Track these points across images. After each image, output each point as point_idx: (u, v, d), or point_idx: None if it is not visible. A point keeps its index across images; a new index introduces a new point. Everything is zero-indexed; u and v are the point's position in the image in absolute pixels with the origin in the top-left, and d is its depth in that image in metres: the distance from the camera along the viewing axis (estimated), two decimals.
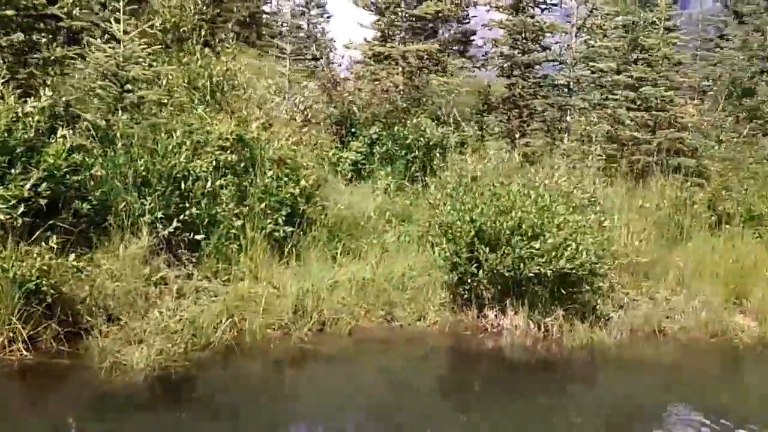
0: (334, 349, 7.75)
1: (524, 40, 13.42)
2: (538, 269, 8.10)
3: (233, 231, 8.42)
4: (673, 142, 14.50)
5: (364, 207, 10.31)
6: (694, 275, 9.61)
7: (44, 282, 6.57)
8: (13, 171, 6.98)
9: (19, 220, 6.83)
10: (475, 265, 8.31)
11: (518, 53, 13.38)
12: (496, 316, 8.48)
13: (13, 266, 6.48)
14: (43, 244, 6.95)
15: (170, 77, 10.24)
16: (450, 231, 8.50)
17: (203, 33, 11.16)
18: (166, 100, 9.47)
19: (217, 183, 8.53)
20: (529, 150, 12.83)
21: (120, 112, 8.52)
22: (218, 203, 8.52)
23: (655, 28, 15.15)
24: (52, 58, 9.00)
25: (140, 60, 9.05)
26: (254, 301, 7.77)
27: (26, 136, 7.26)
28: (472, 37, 17.61)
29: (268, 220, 8.61)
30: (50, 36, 9.35)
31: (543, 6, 13.80)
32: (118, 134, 8.30)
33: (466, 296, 8.57)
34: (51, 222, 7.20)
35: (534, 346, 8.20)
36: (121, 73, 8.76)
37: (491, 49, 14.21)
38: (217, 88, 10.61)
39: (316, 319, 7.91)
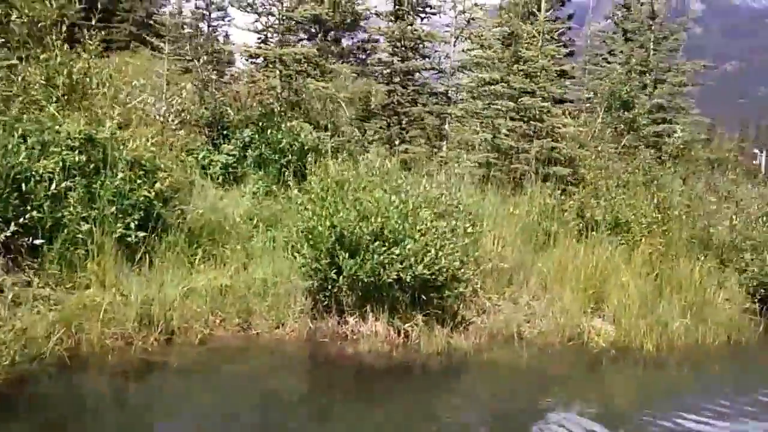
0: (181, 360, 7.40)
1: (403, 48, 13.45)
2: (397, 275, 8.05)
3: (80, 236, 7.94)
4: (550, 152, 14.93)
5: (232, 211, 10.01)
6: (556, 281, 9.83)
7: None
8: None
9: None
10: (335, 270, 8.17)
11: (398, 60, 13.40)
12: (356, 322, 8.38)
13: None
14: None
15: (27, 74, 9.64)
16: (311, 236, 8.33)
17: (64, 29, 10.53)
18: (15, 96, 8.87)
19: (63, 185, 8.01)
20: (408, 157, 12.84)
21: None
22: (64, 206, 8.02)
23: (534, 41, 15.61)
24: None
25: None
26: (97, 309, 7.33)
27: None
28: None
29: (119, 224, 8.16)
30: None
31: (423, 15, 13.91)
32: None
33: (326, 303, 8.43)
34: None
35: (392, 352, 8.14)
36: None
37: (371, 57, 14.22)
38: (77, 86, 10.05)
39: (164, 329, 7.53)
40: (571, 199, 12.84)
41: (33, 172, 7.91)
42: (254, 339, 8.17)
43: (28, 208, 7.72)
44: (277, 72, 12.24)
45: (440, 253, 8.28)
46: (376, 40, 17.20)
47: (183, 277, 8.29)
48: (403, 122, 13.61)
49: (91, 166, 8.44)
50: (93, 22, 10.89)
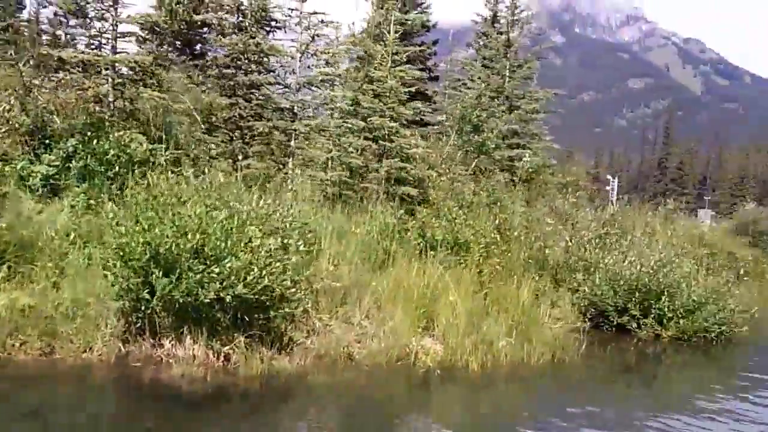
0: None
1: (247, 61, 13.11)
2: (218, 295, 7.66)
3: None
4: (399, 172, 15.04)
5: (47, 226, 9.23)
6: (390, 300, 9.73)
7: None
8: None
9: None
10: (148, 290, 7.66)
11: (241, 73, 13.03)
12: (172, 345, 7.90)
13: None
14: None
15: None
16: (123, 253, 7.78)
17: None
18: None
19: None
20: (251, 172, 12.46)
21: None
22: None
23: (384, 61, 15.73)
24: None
25: None
26: None
27: None
28: None
29: None
30: None
31: (268, 28, 13.64)
32: None
33: (139, 325, 7.88)
34: None
35: (209, 376, 7.69)
36: None
37: (213, 69, 13.77)
38: None
39: None
40: (414, 218, 12.95)
41: None
42: (58, 364, 7.50)
43: None
44: (109, 79, 11.53)
45: (264, 272, 7.96)
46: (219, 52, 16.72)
47: None
48: (246, 137, 13.22)
49: None
50: None
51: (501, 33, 29.43)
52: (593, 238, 15.04)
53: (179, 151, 11.80)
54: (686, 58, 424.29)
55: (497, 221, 14.07)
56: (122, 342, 7.87)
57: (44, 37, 21.85)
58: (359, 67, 18.86)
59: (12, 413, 6.54)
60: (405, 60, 17.37)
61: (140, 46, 14.39)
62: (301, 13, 13.84)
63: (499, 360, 9.28)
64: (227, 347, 7.94)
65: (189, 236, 7.74)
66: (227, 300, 7.73)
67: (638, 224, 18.83)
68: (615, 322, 12.58)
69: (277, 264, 8.28)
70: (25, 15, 28.42)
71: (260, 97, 13.15)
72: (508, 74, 28.84)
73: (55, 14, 24.67)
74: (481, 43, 30.39)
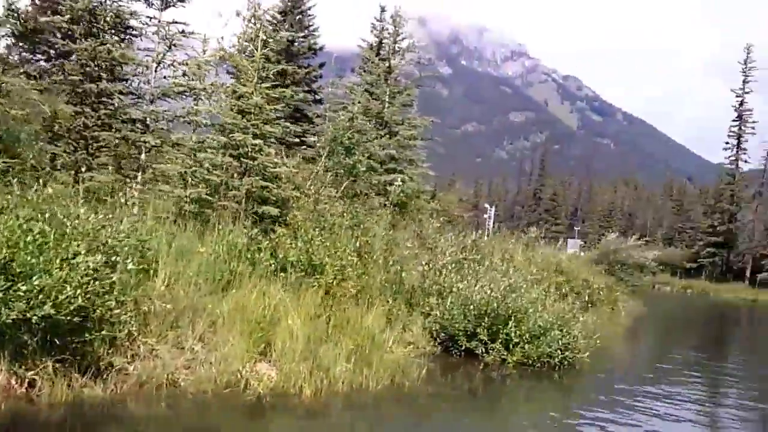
0: None
1: (97, 68, 12.39)
2: (23, 315, 7.00)
3: None
4: (261, 191, 14.67)
5: None
6: (228, 323, 9.31)
7: None
8: None
9: None
10: None
11: (88, 81, 12.28)
12: None
13: None
14: None
15: None
16: None
17: None
18: None
19: None
20: (93, 185, 11.73)
21: None
22: None
23: (250, 78, 15.39)
24: None
25: None
26: None
27: None
28: None
29: None
30: None
31: (123, 35, 13.00)
32: None
33: None
34: None
35: (7, 404, 6.98)
36: None
37: (58, 74, 12.94)
38: None
39: None
40: (266, 238, 12.60)
41: None
42: None
43: None
44: None
45: (79, 291, 7.37)
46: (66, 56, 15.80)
47: None
48: (92, 148, 12.46)
49: None
50: None
51: (383, 59, 29.84)
52: (450, 262, 15.20)
53: (13, 161, 10.93)
54: (564, 94, 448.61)
55: (358, 244, 13.99)
56: None
57: None
58: (228, 84, 18.40)
59: None
60: (276, 78, 17.15)
61: None
62: (159, 21, 13.31)
63: (335, 386, 9.03)
64: (32, 372, 7.27)
65: None
66: (34, 321, 7.09)
67: (497, 251, 19.27)
68: (463, 347, 12.67)
69: (97, 283, 7.72)
70: None
71: (109, 107, 12.42)
72: (387, 100, 29.22)
73: None
74: (365, 68, 30.71)
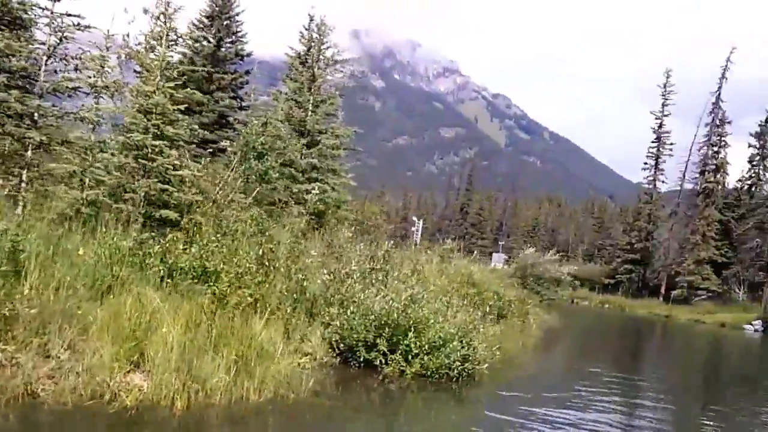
0: None
1: None
2: None
3: None
4: (161, 194, 14.10)
5: None
6: (101, 331, 8.73)
7: None
8: None
9: None
10: None
11: None
12: None
13: None
14: None
15: None
16: None
17: None
18: None
19: None
20: None
21: None
22: None
23: (152, 76, 14.83)
24: None
25: None
26: None
27: None
28: None
29: None
30: None
31: (12, 26, 12.22)
32: None
33: None
34: None
35: None
36: None
37: None
38: None
39: None
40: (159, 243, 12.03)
41: None
42: None
43: None
44: None
45: None
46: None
47: None
48: None
49: None
50: None
51: (308, 68, 29.46)
52: (356, 272, 14.91)
53: None
54: (494, 111, 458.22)
55: (261, 251, 13.55)
56: None
57: None
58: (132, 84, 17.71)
59: None
60: (181, 78, 16.58)
61: None
62: (52, 13, 12.60)
63: (212, 399, 8.54)
64: None
65: None
66: None
67: (406, 262, 19.09)
68: (362, 358, 12.36)
69: None
70: None
71: None
72: (311, 108, 28.85)
73: None
74: (290, 76, 30.31)
